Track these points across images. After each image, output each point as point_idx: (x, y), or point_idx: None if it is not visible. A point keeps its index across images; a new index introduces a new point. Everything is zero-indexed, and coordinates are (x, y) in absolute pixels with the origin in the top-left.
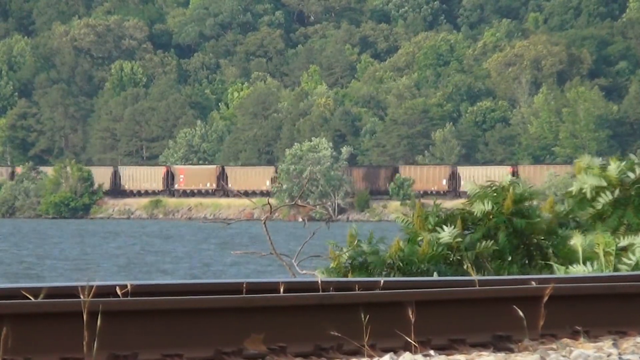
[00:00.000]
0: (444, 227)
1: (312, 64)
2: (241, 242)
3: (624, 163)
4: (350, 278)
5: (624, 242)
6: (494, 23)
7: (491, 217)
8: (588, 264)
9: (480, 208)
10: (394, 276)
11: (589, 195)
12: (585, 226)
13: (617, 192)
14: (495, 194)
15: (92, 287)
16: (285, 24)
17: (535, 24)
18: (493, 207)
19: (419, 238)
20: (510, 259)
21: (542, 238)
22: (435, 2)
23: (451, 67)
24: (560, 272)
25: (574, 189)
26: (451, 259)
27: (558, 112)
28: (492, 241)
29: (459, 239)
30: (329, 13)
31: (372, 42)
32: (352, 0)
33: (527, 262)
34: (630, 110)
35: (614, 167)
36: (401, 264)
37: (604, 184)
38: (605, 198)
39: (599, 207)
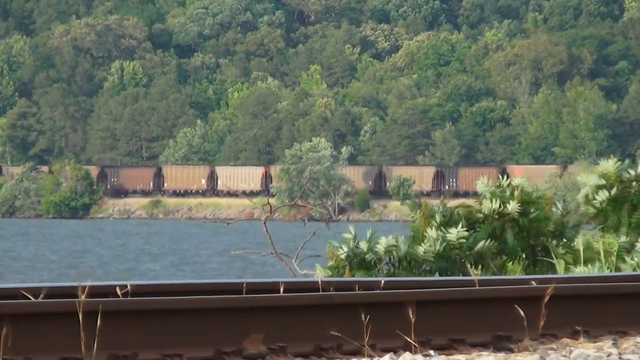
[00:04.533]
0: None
1: (312, 64)
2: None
3: (625, 162)
4: (350, 278)
5: (626, 240)
6: (494, 23)
7: (497, 216)
8: (589, 264)
9: (487, 206)
10: (395, 274)
11: (590, 196)
12: (584, 227)
13: (614, 190)
14: (503, 194)
15: (91, 287)
16: (285, 23)
17: (534, 24)
18: (500, 205)
19: (424, 238)
20: (522, 258)
21: (548, 239)
22: (435, 2)
23: (452, 67)
24: (560, 270)
25: (581, 194)
26: (455, 258)
27: (558, 112)
28: (495, 242)
29: (463, 239)
30: (329, 13)
31: (372, 42)
32: (352, 0)
33: (532, 263)
34: (630, 110)
35: (612, 164)
36: (405, 261)
37: (603, 182)
38: (602, 195)
39: (598, 205)
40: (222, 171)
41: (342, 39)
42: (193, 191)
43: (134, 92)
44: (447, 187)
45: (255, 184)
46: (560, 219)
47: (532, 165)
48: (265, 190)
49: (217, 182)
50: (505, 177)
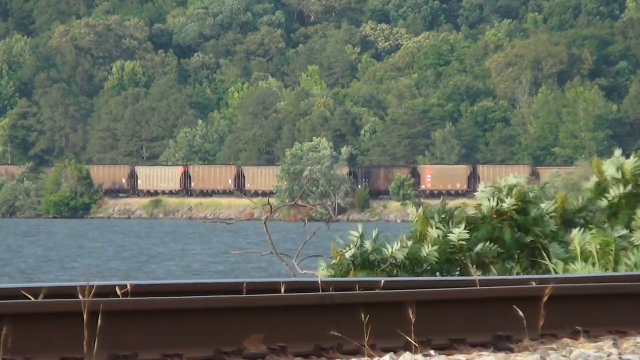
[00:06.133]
0: (450, 226)
1: (312, 64)
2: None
3: None
4: (351, 278)
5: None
6: (494, 23)
7: (495, 215)
8: (586, 263)
9: (486, 205)
10: (397, 275)
11: (609, 184)
12: (594, 223)
13: (629, 187)
14: (500, 193)
15: (92, 287)
16: (285, 23)
17: (534, 24)
18: (498, 203)
19: (425, 237)
20: (516, 259)
21: (545, 239)
22: (435, 2)
23: (451, 67)
24: (559, 270)
25: (591, 183)
26: (455, 259)
27: (558, 112)
28: (494, 244)
29: (464, 240)
30: (329, 13)
31: (372, 42)
32: (352, 0)
33: (531, 263)
34: (630, 110)
35: (631, 162)
36: (407, 262)
37: (619, 176)
38: (616, 191)
39: (610, 199)
40: (141, 171)
41: (342, 39)
42: (116, 190)
43: (134, 92)
44: (359, 186)
45: (175, 184)
46: (564, 216)
47: (441, 165)
48: (184, 190)
49: (137, 182)
50: (415, 176)
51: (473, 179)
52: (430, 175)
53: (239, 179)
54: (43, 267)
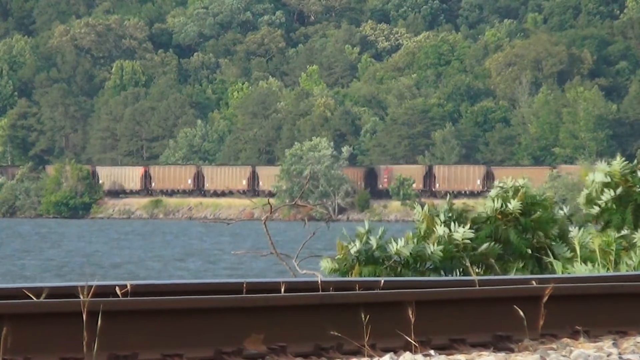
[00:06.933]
0: (455, 225)
1: (312, 64)
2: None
3: (634, 163)
4: (350, 278)
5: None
6: (494, 23)
7: (499, 216)
8: (588, 263)
9: (490, 205)
10: (401, 272)
11: (594, 194)
12: (583, 226)
13: (620, 189)
14: (506, 194)
15: (91, 287)
16: (285, 23)
17: (534, 24)
18: (502, 204)
19: (431, 236)
20: (525, 258)
21: (551, 240)
22: (435, 2)
23: (451, 67)
24: (558, 270)
25: (582, 196)
26: (459, 258)
27: (558, 112)
28: (498, 244)
29: (467, 239)
30: (329, 13)
31: (372, 42)
32: (352, 0)
33: (537, 264)
34: (630, 110)
35: (618, 163)
36: (411, 260)
37: (608, 180)
38: (607, 195)
39: (602, 204)
40: (103, 171)
41: (342, 39)
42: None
43: (134, 92)
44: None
45: (135, 184)
46: (564, 219)
47: (398, 165)
48: (145, 190)
49: (98, 182)
50: (372, 177)
51: (429, 178)
52: (387, 176)
53: (198, 179)
54: (70, 268)
